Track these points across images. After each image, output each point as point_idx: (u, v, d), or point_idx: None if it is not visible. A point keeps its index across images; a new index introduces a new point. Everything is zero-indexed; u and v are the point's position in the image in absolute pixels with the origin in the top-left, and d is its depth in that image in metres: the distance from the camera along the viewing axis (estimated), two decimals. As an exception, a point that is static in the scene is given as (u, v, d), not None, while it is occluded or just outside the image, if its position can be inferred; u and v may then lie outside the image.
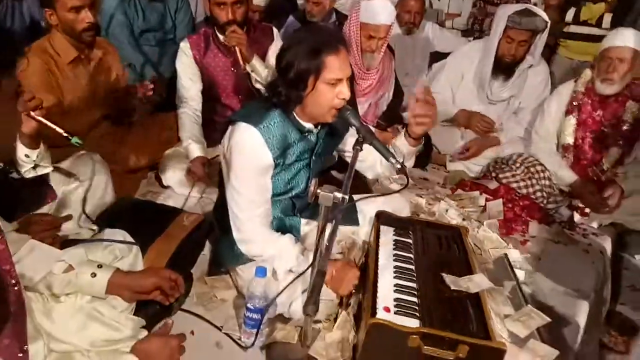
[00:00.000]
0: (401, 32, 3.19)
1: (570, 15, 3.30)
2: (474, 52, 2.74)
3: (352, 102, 2.56)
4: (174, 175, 2.23)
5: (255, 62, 2.30)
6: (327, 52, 1.43)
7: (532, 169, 2.43)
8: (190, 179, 2.22)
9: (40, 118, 1.49)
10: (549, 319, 1.53)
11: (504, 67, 2.62)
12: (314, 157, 1.67)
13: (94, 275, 1.32)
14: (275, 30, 2.56)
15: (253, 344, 1.46)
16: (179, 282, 1.46)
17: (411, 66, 3.31)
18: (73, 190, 1.82)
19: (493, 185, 2.45)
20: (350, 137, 1.78)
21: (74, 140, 1.57)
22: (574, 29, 3.32)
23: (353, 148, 1.40)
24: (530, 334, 1.49)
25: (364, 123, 1.51)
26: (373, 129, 2.25)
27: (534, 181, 2.40)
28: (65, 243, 1.55)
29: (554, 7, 3.43)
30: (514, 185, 2.39)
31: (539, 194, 2.38)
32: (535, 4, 3.13)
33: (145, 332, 1.37)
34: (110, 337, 1.30)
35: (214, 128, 2.43)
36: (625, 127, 2.37)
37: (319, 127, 1.62)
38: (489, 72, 2.65)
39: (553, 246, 2.19)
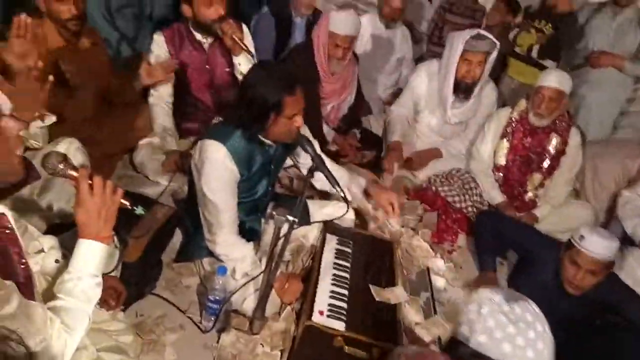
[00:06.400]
0: (382, 24, 3.31)
1: (511, 36, 3.50)
2: (430, 73, 2.91)
3: (316, 105, 2.83)
4: (149, 165, 2.43)
5: (242, 57, 2.42)
6: (286, 94, 1.69)
7: (466, 186, 2.77)
8: (165, 171, 2.41)
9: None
10: (449, 329, 1.89)
11: (463, 89, 2.80)
12: (272, 166, 1.95)
13: (57, 261, 1.41)
14: (245, 27, 2.59)
15: (212, 328, 1.77)
16: (121, 298, 1.54)
17: (382, 62, 3.41)
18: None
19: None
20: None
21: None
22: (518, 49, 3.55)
23: (306, 175, 1.67)
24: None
25: (317, 153, 1.79)
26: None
27: (467, 197, 2.75)
28: (55, 227, 1.76)
29: (497, 28, 3.60)
30: (450, 199, 2.73)
31: (470, 209, 2.72)
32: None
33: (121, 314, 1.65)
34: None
35: (185, 119, 2.61)
36: (547, 156, 2.75)
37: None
38: (450, 93, 2.82)
39: (474, 256, 2.58)
